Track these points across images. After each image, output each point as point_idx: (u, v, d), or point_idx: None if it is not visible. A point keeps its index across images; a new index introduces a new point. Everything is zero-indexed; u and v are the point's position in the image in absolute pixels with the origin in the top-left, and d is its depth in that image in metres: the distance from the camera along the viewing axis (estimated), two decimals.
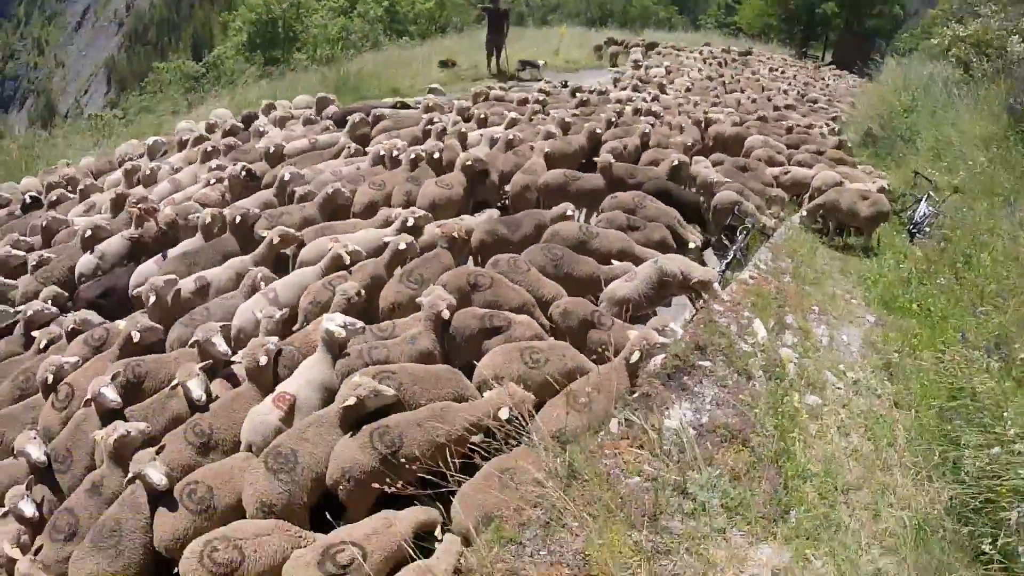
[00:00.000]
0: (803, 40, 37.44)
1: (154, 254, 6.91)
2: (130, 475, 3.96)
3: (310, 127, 10.84)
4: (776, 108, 13.67)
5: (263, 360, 4.64)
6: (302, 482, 3.97)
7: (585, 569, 3.08)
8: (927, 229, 8.27)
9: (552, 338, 5.20)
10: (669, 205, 7.50)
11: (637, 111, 11.42)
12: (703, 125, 11.22)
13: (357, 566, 3.33)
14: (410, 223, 6.41)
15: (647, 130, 9.71)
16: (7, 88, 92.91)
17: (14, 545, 4.13)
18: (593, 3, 46.77)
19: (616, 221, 6.95)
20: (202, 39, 72.79)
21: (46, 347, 5.68)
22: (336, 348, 4.70)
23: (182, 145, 10.47)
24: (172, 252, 6.88)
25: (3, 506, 4.37)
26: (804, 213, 8.59)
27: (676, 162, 8.42)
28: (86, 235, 7.06)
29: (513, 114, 10.47)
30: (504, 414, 4.00)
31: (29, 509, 4.25)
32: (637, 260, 6.27)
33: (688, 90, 15.03)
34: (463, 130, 9.70)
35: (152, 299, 5.83)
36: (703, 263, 7.03)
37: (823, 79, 22.66)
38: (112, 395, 4.53)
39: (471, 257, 6.71)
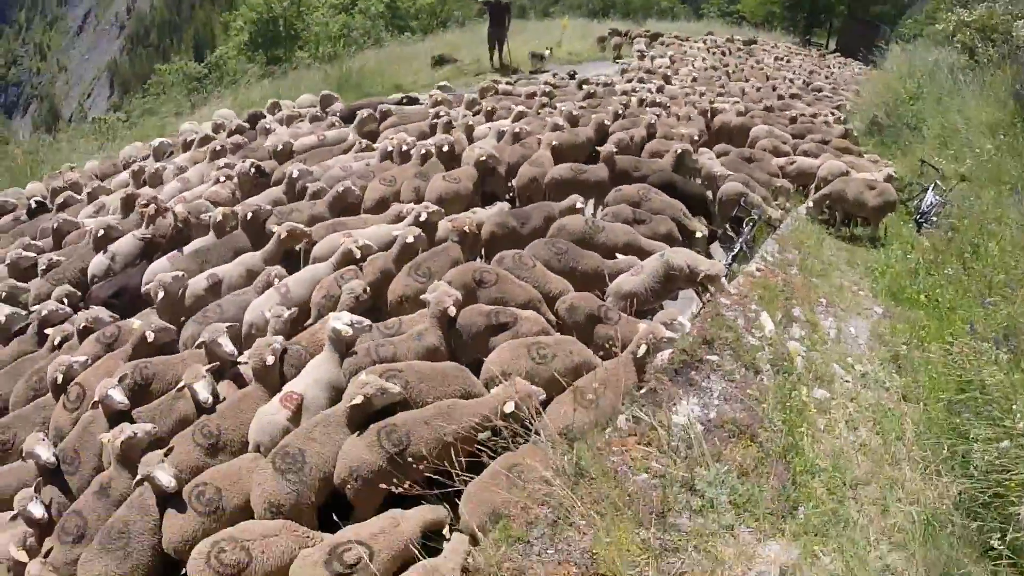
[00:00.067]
0: (806, 28, 37.12)
1: (166, 252, 6.95)
2: (139, 477, 3.98)
3: (317, 124, 10.85)
4: (780, 97, 13.59)
5: (269, 360, 4.65)
6: (310, 482, 3.98)
7: (593, 567, 3.08)
8: (934, 219, 8.21)
9: (559, 333, 5.19)
10: (674, 198, 7.47)
11: (642, 102, 11.38)
12: (709, 115, 11.18)
13: (364, 565, 3.34)
14: (423, 218, 6.41)
15: (653, 121, 9.70)
16: (10, 94, 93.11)
17: (20, 547, 4.17)
18: None
19: (622, 215, 6.93)
20: (204, 40, 72.77)
21: (60, 344, 5.72)
22: (343, 347, 4.70)
23: (187, 146, 10.49)
24: (185, 250, 6.93)
25: (12, 509, 4.39)
26: (810, 204, 8.54)
27: (679, 151, 8.38)
28: (99, 235, 7.10)
29: (520, 107, 10.46)
30: (509, 408, 3.99)
31: (38, 511, 4.28)
32: (643, 253, 6.26)
33: (694, 80, 14.97)
34: (470, 123, 9.71)
35: (160, 295, 5.87)
36: (709, 255, 7.02)
37: (828, 67, 22.50)
38: (119, 397, 4.55)
39: (482, 250, 6.75)
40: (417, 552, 3.42)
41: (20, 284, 6.92)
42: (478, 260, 6.56)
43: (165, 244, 7.13)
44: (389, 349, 4.78)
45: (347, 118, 10.93)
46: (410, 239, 6.00)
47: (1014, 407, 3.79)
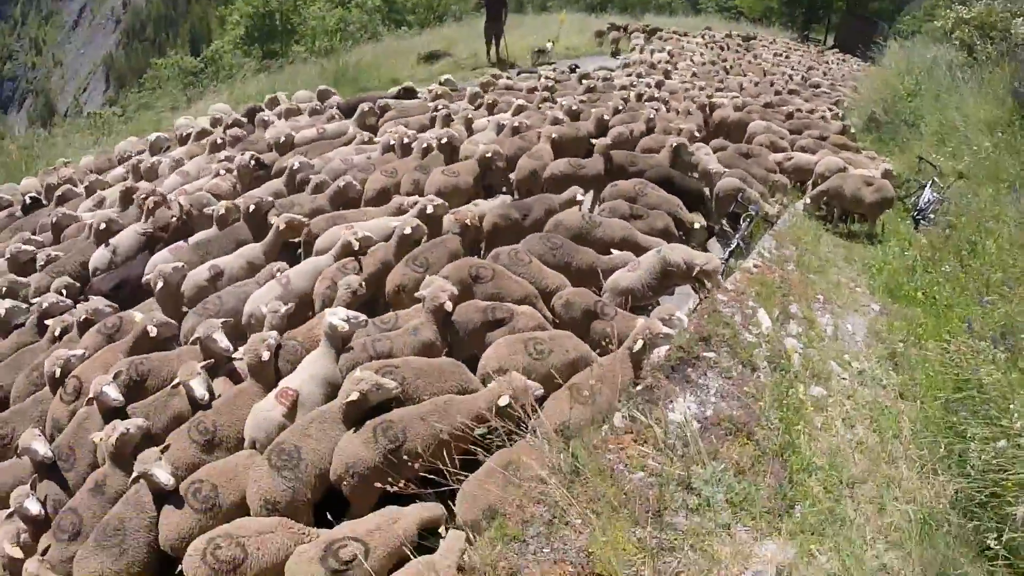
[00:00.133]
0: (805, 23, 37.09)
1: (167, 245, 6.95)
2: (136, 474, 3.96)
3: (317, 117, 10.82)
4: (778, 93, 13.57)
5: (264, 355, 4.64)
6: (306, 479, 3.98)
7: (588, 567, 3.07)
8: (932, 216, 8.20)
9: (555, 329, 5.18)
10: (672, 193, 7.45)
11: (640, 96, 11.37)
12: (707, 110, 11.15)
13: (359, 562, 3.33)
14: (429, 211, 6.42)
15: (652, 116, 9.71)
16: (6, 89, 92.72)
17: (14, 544, 4.15)
18: None
19: (619, 210, 6.92)
20: (200, 34, 72.45)
21: (60, 336, 5.72)
22: (339, 342, 4.69)
23: (183, 140, 10.46)
24: (188, 242, 6.94)
25: (7, 507, 4.38)
26: (808, 200, 8.53)
27: (675, 145, 8.37)
28: (100, 229, 7.10)
29: (520, 101, 10.44)
30: (504, 401, 3.98)
31: (34, 507, 4.28)
32: (640, 249, 6.25)
33: (694, 75, 14.96)
34: (469, 116, 9.69)
35: (160, 284, 5.90)
36: (707, 251, 7.00)
37: (826, 63, 22.48)
38: (114, 394, 4.54)
39: (483, 242, 6.78)
40: (409, 552, 3.41)
41: (20, 279, 6.90)
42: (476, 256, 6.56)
43: (168, 236, 7.14)
44: (386, 344, 4.77)
45: (347, 112, 10.88)
46: (407, 230, 6.02)
47: (1011, 406, 3.78)
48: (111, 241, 7.03)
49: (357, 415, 4.12)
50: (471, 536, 3.48)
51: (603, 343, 4.79)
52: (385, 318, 5.18)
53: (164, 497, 3.98)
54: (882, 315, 6.32)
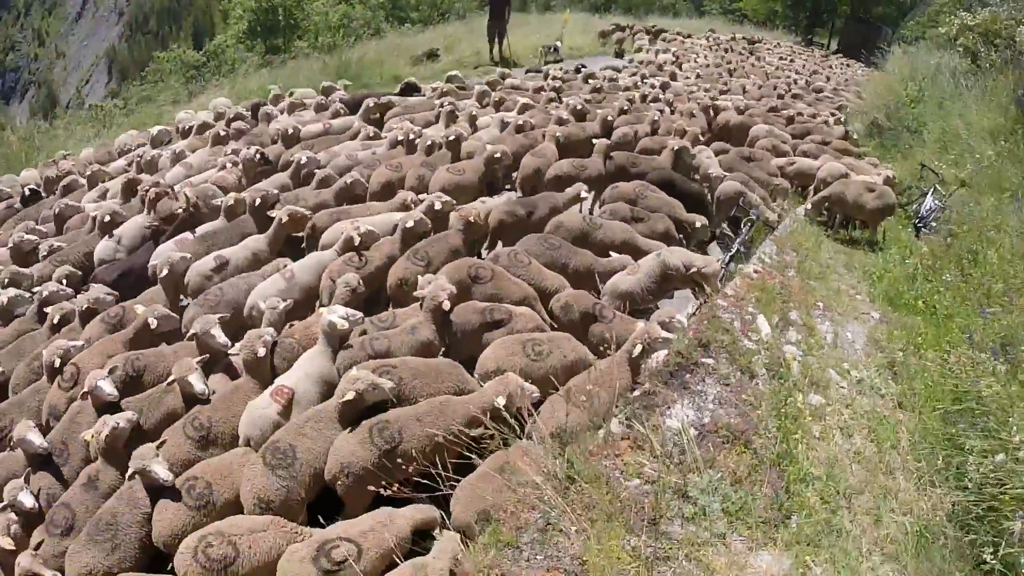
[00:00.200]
0: (808, 27, 37.10)
1: (172, 237, 6.96)
2: (133, 470, 3.93)
3: (322, 112, 10.79)
4: (781, 96, 13.54)
5: (260, 352, 4.62)
6: (300, 478, 3.96)
7: (583, 574, 3.04)
8: (933, 224, 8.17)
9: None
10: (673, 196, 7.44)
11: (645, 98, 11.35)
12: (711, 112, 11.13)
13: (351, 563, 3.31)
14: (437, 207, 6.42)
15: (656, 117, 9.70)
16: (8, 80, 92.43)
17: (5, 535, 4.13)
18: None
19: (619, 212, 6.90)
20: (203, 28, 72.37)
21: (59, 324, 5.70)
22: (337, 341, 4.68)
23: (184, 133, 10.43)
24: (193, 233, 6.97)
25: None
26: (809, 205, 8.50)
27: (676, 147, 8.35)
28: (104, 220, 7.08)
29: (525, 99, 10.41)
30: (501, 402, 3.96)
31: (28, 500, 4.26)
32: (640, 252, 6.24)
33: (698, 77, 14.96)
34: (474, 113, 9.66)
35: (165, 272, 5.89)
36: (706, 253, 6.99)
37: (830, 67, 22.46)
38: (109, 388, 4.52)
39: (487, 238, 6.83)
40: (398, 556, 3.39)
41: (23, 270, 6.88)
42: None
43: (173, 228, 7.13)
44: (383, 343, 4.76)
45: (352, 106, 10.84)
46: (410, 223, 6.01)
47: (1010, 419, 3.76)
48: (115, 232, 7.03)
49: (353, 415, 4.10)
50: (468, 534, 3.46)
51: (601, 347, 4.76)
52: (383, 316, 5.18)
53: (158, 493, 3.96)
54: (882, 323, 6.29)
